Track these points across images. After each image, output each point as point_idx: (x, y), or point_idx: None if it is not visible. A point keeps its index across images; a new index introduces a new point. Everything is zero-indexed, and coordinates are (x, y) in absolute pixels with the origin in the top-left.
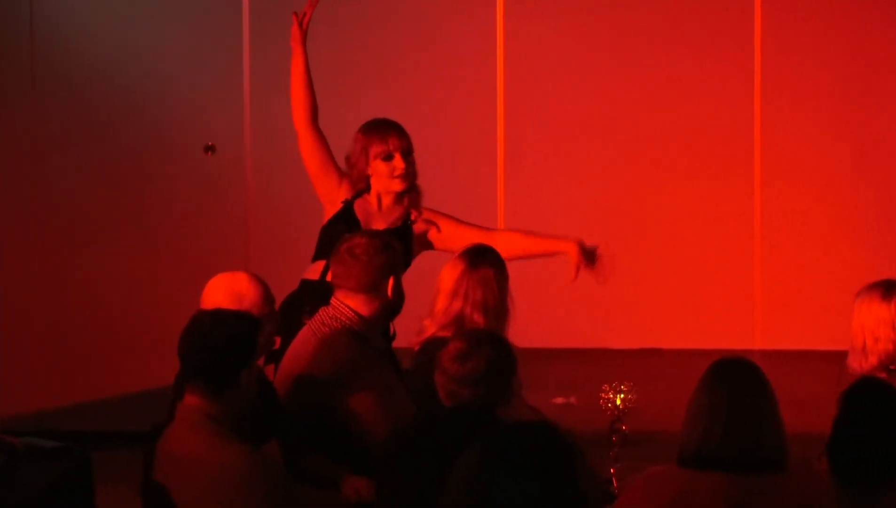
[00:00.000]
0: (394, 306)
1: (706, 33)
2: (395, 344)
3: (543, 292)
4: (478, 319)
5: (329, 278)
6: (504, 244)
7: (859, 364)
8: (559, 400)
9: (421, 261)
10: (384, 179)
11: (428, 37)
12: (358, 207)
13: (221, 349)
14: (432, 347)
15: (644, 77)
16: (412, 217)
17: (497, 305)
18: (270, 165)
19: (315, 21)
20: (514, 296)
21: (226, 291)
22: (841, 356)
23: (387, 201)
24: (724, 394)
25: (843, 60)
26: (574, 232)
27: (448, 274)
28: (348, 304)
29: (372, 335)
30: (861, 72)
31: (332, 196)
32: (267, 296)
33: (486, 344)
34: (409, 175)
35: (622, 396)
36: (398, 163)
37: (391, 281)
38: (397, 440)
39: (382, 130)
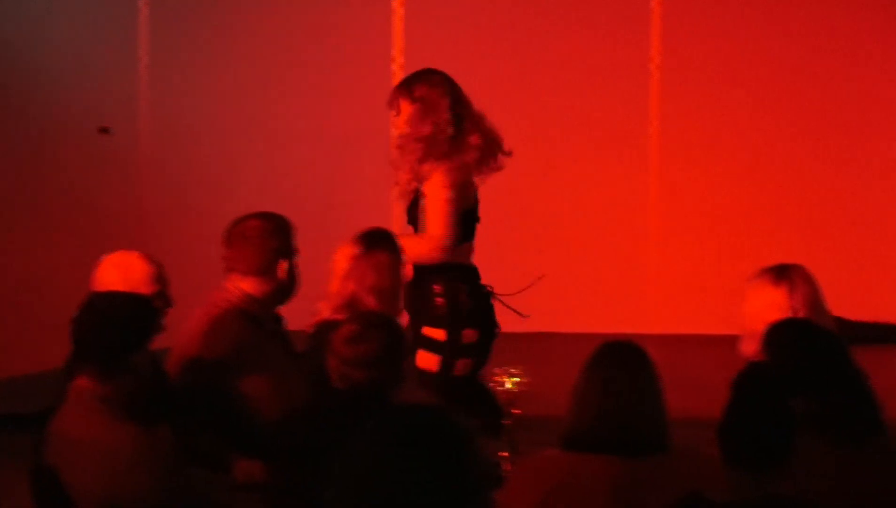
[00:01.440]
0: (287, 288)
1: (603, 15)
2: (290, 327)
3: None
4: (371, 302)
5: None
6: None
7: (750, 349)
8: None
9: (314, 244)
10: None
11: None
12: None
13: (114, 331)
14: (325, 329)
15: (539, 60)
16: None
17: (391, 289)
18: (165, 145)
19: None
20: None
21: (118, 271)
22: (734, 341)
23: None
24: (606, 377)
25: (742, 47)
26: None
27: (342, 257)
28: (241, 286)
29: (265, 317)
30: (761, 60)
31: None
32: (159, 276)
33: (378, 327)
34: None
35: (514, 380)
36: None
37: (284, 264)
38: (289, 423)
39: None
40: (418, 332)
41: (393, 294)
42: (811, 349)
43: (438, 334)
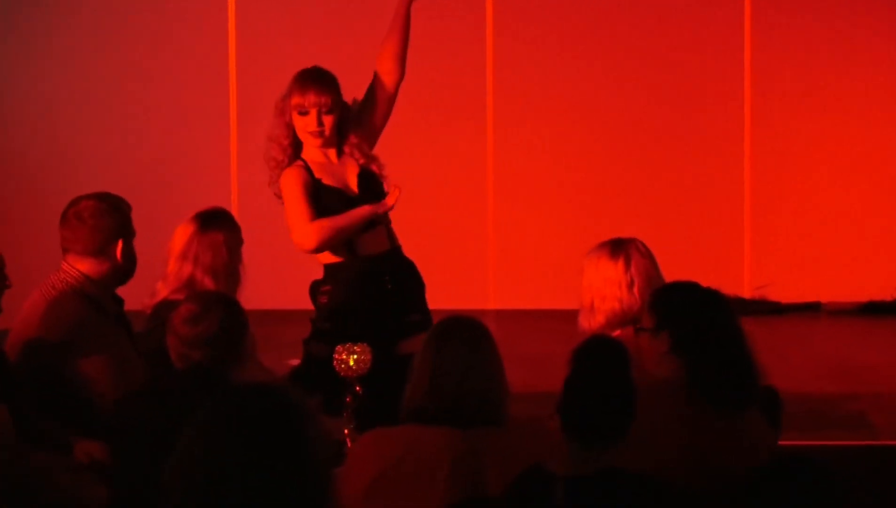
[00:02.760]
0: (125, 269)
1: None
2: (128, 306)
3: (279, 253)
4: (207, 282)
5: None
6: (387, 50)
7: (588, 323)
8: (295, 362)
9: (153, 223)
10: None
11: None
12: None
13: None
14: (164, 309)
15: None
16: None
17: (227, 268)
18: (3, 126)
19: None
20: (249, 257)
21: None
22: (574, 315)
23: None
24: (443, 351)
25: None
26: None
27: (179, 236)
28: (77, 267)
29: (103, 298)
30: (592, 34)
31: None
32: None
33: (216, 306)
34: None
35: (355, 357)
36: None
37: (120, 244)
38: (129, 403)
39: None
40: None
41: (229, 273)
42: (707, 311)
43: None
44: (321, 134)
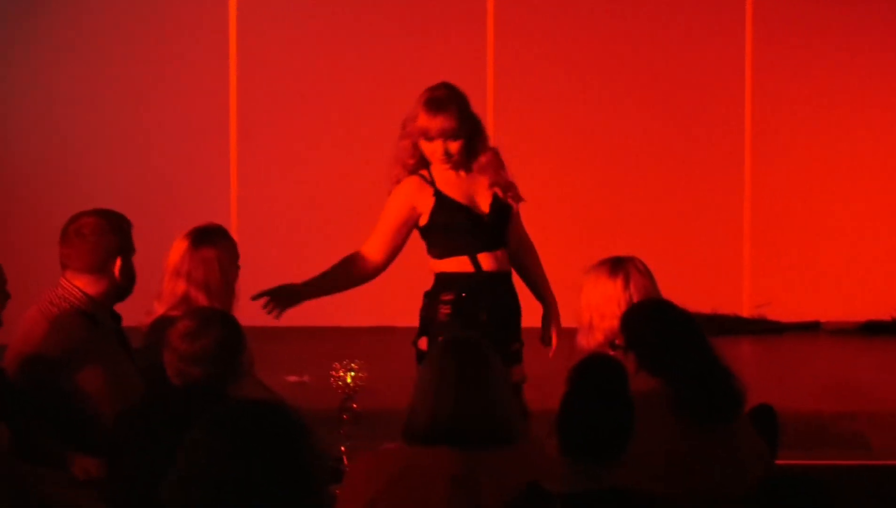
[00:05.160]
0: (124, 286)
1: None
2: (126, 323)
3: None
4: (201, 299)
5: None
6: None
7: (587, 341)
8: (292, 378)
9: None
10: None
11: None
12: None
13: None
14: (161, 326)
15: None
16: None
17: (220, 284)
18: (1, 139)
19: None
20: (246, 273)
21: None
22: (573, 333)
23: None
24: (448, 370)
25: (573, 40)
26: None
27: (173, 253)
28: (76, 284)
29: (101, 315)
30: (587, 50)
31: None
32: None
33: (214, 323)
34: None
35: (353, 374)
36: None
37: (119, 261)
38: (127, 420)
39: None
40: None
41: (223, 289)
42: (670, 331)
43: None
44: (448, 160)
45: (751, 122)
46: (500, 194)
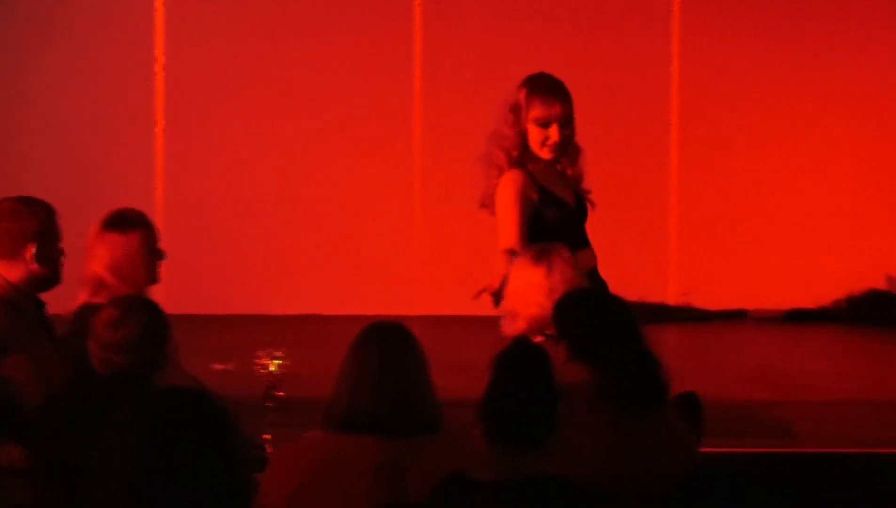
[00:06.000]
0: (44, 274)
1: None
2: (52, 310)
3: (203, 257)
4: (112, 282)
5: None
6: None
7: (511, 329)
8: (218, 366)
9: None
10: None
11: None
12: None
13: None
14: (85, 314)
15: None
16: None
17: (129, 269)
18: None
19: None
20: (174, 261)
21: None
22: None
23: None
24: (371, 357)
25: (502, 42)
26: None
27: (89, 238)
28: None
29: (24, 303)
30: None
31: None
32: None
33: (138, 311)
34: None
35: (277, 362)
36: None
37: (32, 248)
38: (51, 408)
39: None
40: None
41: (132, 274)
42: (601, 321)
43: None
44: (560, 146)
45: (678, 111)
46: (581, 191)
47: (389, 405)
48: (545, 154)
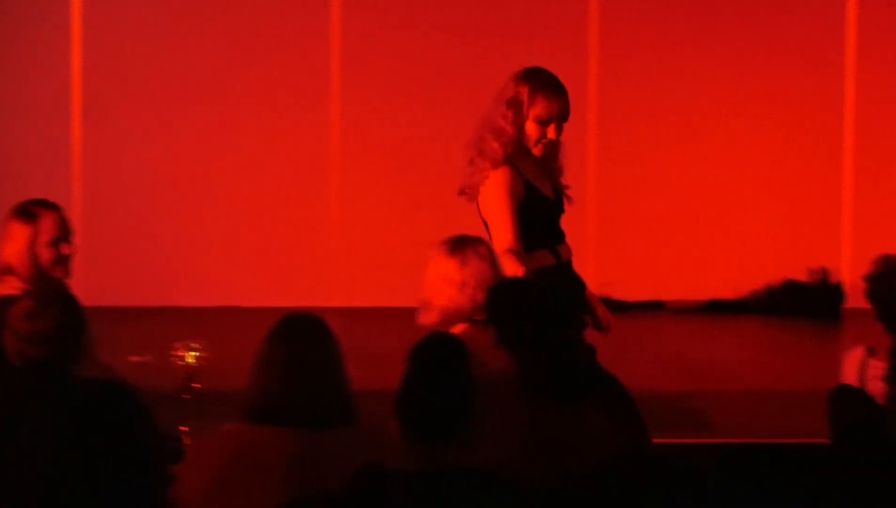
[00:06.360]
0: None
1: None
2: None
3: (119, 249)
4: (17, 270)
5: None
6: None
7: (427, 319)
8: (135, 358)
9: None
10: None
11: None
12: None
13: None
14: (2, 305)
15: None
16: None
17: (25, 259)
18: None
19: None
20: (90, 254)
21: None
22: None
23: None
24: (285, 348)
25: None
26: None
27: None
28: None
29: None
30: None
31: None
32: None
33: (54, 303)
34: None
35: (194, 354)
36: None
37: None
38: None
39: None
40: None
41: (34, 262)
42: (527, 311)
43: None
44: (551, 144)
45: (596, 105)
46: (559, 185)
47: (299, 397)
48: (538, 151)
